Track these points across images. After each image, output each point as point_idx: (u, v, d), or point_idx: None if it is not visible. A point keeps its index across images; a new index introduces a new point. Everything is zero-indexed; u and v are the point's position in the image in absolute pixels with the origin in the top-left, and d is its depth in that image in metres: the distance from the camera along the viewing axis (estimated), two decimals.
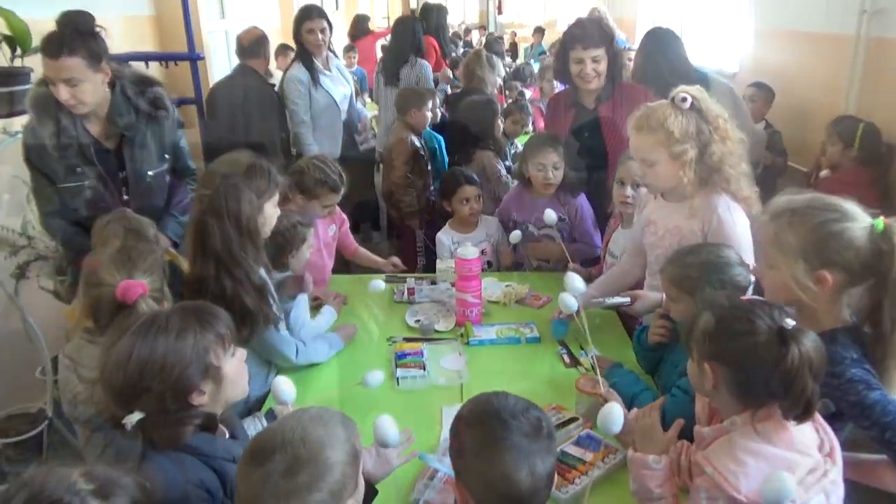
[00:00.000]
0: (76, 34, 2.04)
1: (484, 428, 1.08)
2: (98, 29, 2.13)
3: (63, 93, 2.04)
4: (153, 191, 2.32)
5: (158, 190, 2.34)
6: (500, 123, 3.77)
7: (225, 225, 1.75)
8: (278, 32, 5.87)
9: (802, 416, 1.15)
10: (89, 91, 2.09)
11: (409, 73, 4.20)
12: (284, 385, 1.48)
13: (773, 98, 3.82)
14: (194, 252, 1.78)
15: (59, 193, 2.20)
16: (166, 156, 2.34)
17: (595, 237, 2.65)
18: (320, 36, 3.55)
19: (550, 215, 2.41)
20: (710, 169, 1.78)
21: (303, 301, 2.13)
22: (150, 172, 2.28)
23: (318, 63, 3.61)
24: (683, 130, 1.74)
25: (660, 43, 3.02)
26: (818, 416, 1.20)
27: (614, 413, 1.29)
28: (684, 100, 1.75)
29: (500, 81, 4.43)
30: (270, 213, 1.88)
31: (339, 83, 3.75)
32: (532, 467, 1.04)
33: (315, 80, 3.57)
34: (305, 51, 3.59)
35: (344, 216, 2.71)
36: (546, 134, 2.98)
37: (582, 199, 2.65)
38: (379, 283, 2.34)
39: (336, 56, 3.85)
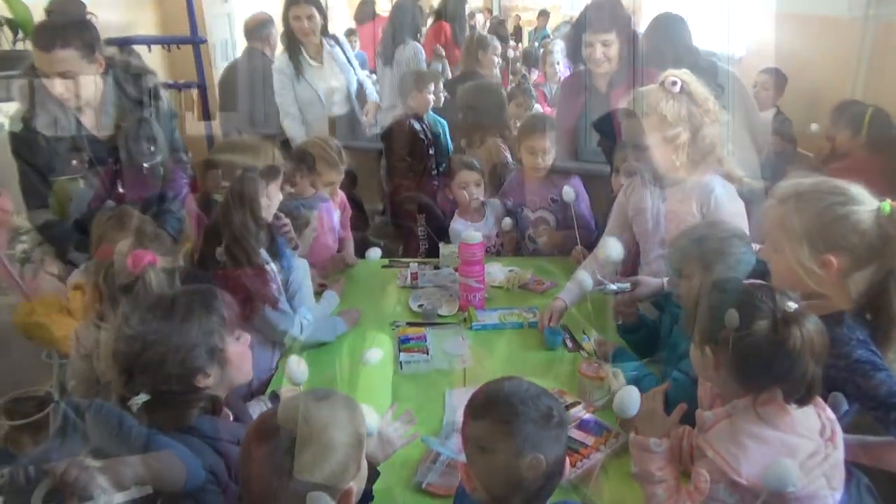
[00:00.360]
0: (69, 24, 1.96)
1: (493, 412, 1.07)
2: (89, 16, 2.05)
3: (58, 87, 1.98)
4: (149, 182, 2.27)
5: (154, 181, 2.29)
6: None
7: (229, 206, 1.75)
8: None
9: (804, 399, 1.15)
10: (85, 84, 2.02)
11: (401, 55, 4.11)
12: (297, 365, 1.49)
13: (785, 84, 3.75)
14: (198, 234, 1.80)
15: (51, 188, 2.13)
16: (161, 146, 2.28)
17: (590, 221, 2.63)
18: (307, 23, 3.28)
19: (569, 193, 2.40)
20: (703, 151, 1.80)
21: (306, 284, 2.13)
22: (145, 164, 2.23)
23: (307, 53, 3.37)
24: (676, 114, 1.76)
25: (666, 29, 2.97)
26: (819, 400, 1.20)
27: (632, 396, 1.29)
28: (674, 83, 1.76)
29: (498, 61, 4.37)
30: (273, 194, 1.88)
31: (329, 75, 3.47)
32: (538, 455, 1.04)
33: (299, 71, 3.32)
34: (293, 38, 3.34)
35: (347, 203, 2.70)
36: (537, 116, 2.95)
37: (577, 183, 2.62)
38: (376, 251, 2.55)
39: (338, 43, 3.58)
